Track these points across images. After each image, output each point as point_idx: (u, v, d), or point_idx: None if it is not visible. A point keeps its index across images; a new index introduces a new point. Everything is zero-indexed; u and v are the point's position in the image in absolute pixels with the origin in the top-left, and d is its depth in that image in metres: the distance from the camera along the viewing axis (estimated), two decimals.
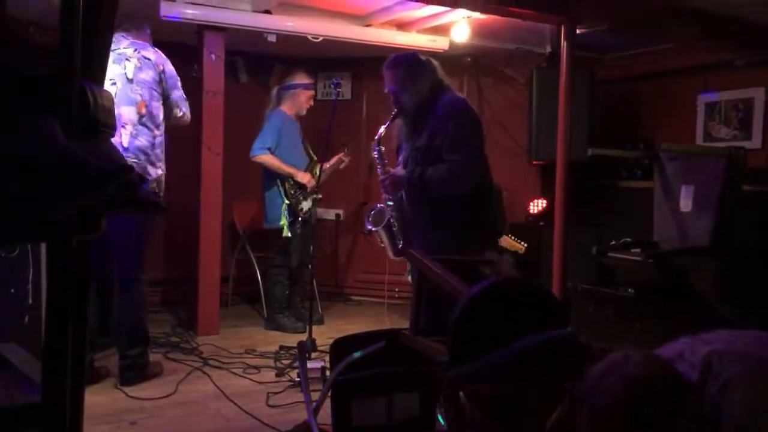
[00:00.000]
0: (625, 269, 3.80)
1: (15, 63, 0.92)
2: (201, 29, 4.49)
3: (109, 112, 0.99)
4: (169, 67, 3.59)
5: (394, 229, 3.34)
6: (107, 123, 0.99)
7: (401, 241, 3.31)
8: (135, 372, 3.49)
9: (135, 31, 3.58)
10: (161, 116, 3.53)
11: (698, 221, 3.83)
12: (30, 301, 3.17)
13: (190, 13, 4.25)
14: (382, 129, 3.26)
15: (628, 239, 3.98)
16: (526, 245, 4.44)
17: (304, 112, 4.88)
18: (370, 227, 3.42)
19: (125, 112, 3.37)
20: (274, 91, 4.93)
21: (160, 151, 3.51)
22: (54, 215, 0.87)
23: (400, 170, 3.20)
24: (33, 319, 3.15)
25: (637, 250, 3.79)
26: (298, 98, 4.82)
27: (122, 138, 3.34)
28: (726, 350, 1.09)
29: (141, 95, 3.42)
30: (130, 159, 3.32)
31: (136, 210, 1.00)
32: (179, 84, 3.63)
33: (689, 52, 4.72)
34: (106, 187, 0.89)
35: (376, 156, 3.31)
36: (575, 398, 1.13)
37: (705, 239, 3.77)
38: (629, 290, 3.70)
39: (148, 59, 3.48)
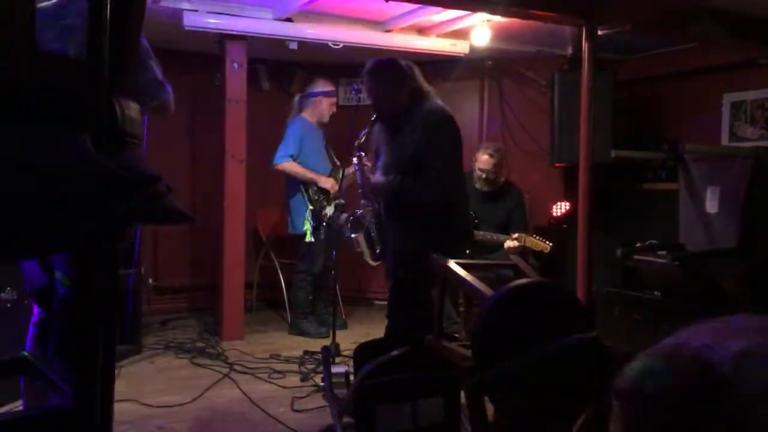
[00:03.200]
0: (651, 272, 3.75)
1: (44, 77, 0.95)
2: (223, 38, 4.54)
3: (136, 122, 1.01)
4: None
5: (372, 234, 3.35)
6: (134, 134, 1.01)
7: (380, 246, 3.33)
8: None
9: None
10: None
11: (725, 223, 3.77)
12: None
13: (213, 22, 4.30)
14: (361, 135, 3.27)
15: (654, 242, 3.94)
16: (551, 244, 4.41)
17: (326, 119, 4.90)
18: (350, 234, 3.45)
19: None
20: (296, 98, 4.96)
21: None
22: (84, 226, 0.89)
23: (378, 177, 3.19)
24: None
25: (663, 252, 3.74)
26: (319, 106, 4.85)
27: None
28: (760, 350, 1.07)
29: None
30: None
31: (164, 220, 1.01)
32: (153, 64, 2.51)
33: (713, 51, 4.65)
34: (134, 198, 0.91)
35: (355, 162, 3.32)
36: (616, 393, 1.11)
37: (732, 241, 3.72)
38: (655, 293, 3.66)
39: None
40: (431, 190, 2.99)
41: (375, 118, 3.19)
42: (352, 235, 3.42)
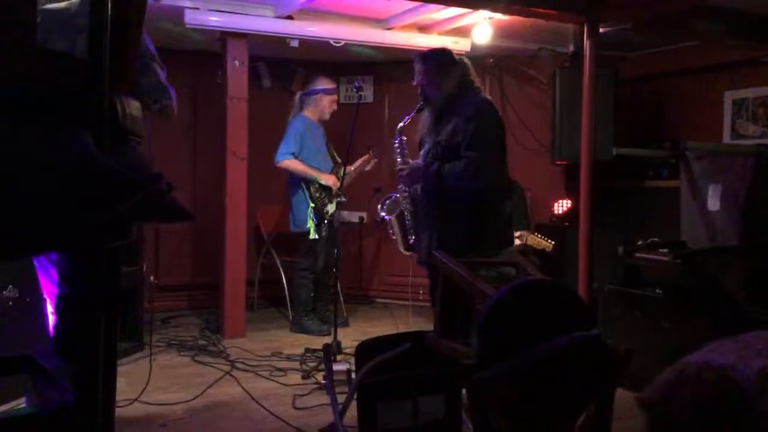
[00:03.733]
0: (652, 270, 3.75)
1: (46, 76, 0.95)
2: (224, 36, 4.54)
3: (137, 120, 1.02)
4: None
5: (407, 222, 3.34)
6: (135, 132, 1.01)
7: (412, 236, 3.33)
8: None
9: None
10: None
11: (726, 220, 3.77)
12: None
13: (214, 20, 4.30)
14: (405, 119, 3.30)
15: (655, 239, 3.93)
16: (553, 243, 4.42)
17: (327, 117, 4.91)
18: (383, 215, 3.44)
19: None
20: (297, 96, 4.97)
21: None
22: (87, 223, 0.90)
23: (418, 162, 3.23)
24: None
25: (665, 250, 3.74)
26: (320, 103, 4.85)
27: None
28: None
29: None
30: None
31: (165, 217, 1.02)
32: (156, 66, 2.49)
33: (715, 49, 4.65)
34: (135, 196, 0.91)
35: (397, 145, 3.34)
36: (642, 404, 1.12)
37: (733, 238, 3.72)
38: (656, 291, 3.66)
39: None
40: (472, 178, 3.02)
41: (421, 105, 3.22)
42: (386, 217, 3.42)
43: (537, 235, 4.45)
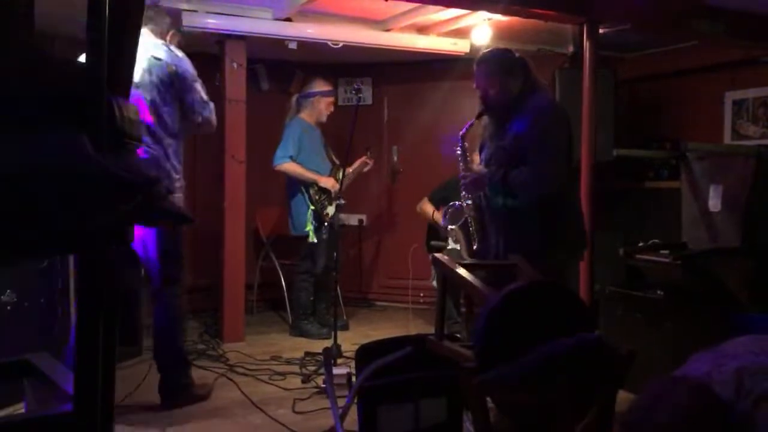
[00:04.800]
0: (654, 271, 3.74)
1: (42, 79, 0.94)
2: (222, 38, 4.53)
3: (134, 124, 1.00)
4: (184, 67, 3.18)
5: (471, 228, 3.22)
6: (132, 135, 1.00)
7: (477, 243, 3.21)
8: (175, 390, 3.28)
9: (152, 25, 3.21)
10: (175, 123, 3.18)
11: (727, 221, 3.77)
12: (59, 310, 3.22)
13: (212, 22, 4.29)
14: (467, 125, 3.14)
15: (656, 240, 3.93)
16: None
17: (324, 119, 4.90)
18: (447, 225, 3.34)
19: None
20: (293, 99, 4.97)
21: (177, 162, 3.18)
22: (84, 227, 0.89)
23: (482, 169, 3.09)
24: (62, 328, 3.20)
25: (666, 251, 3.73)
26: (317, 105, 4.84)
27: None
28: (756, 365, 1.08)
29: (150, 101, 3.07)
30: None
31: (163, 221, 1.01)
32: (198, 86, 3.22)
33: (715, 49, 4.65)
34: (133, 199, 0.90)
35: (459, 153, 3.18)
36: (623, 426, 1.13)
37: (734, 239, 3.71)
38: (658, 292, 3.65)
39: (158, 59, 3.11)
40: (539, 186, 2.86)
41: (482, 110, 3.06)
42: (450, 227, 3.34)
43: None
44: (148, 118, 3.06)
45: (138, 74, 2.99)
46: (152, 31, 3.21)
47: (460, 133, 3.16)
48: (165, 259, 3.23)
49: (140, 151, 3.25)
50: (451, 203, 3.37)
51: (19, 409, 2.81)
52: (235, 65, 4.55)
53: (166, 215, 1.06)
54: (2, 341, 2.92)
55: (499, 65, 2.99)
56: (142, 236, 3.22)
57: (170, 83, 3.13)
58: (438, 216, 4.84)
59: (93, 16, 0.93)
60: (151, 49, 3.11)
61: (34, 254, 2.23)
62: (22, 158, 0.85)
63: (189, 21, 4.17)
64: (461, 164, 3.17)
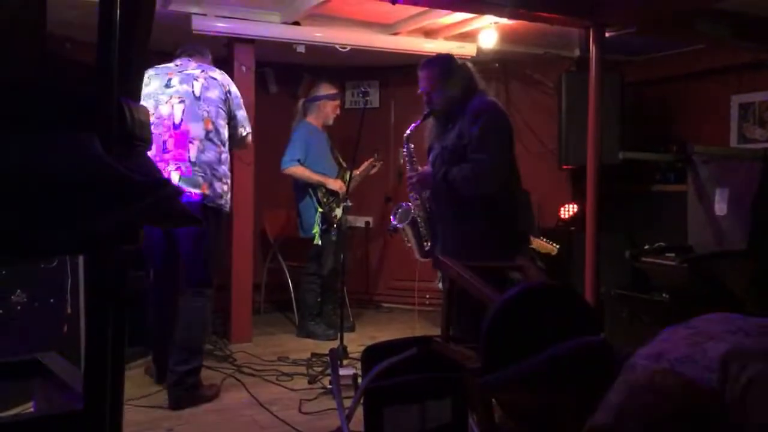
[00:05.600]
0: (660, 274, 3.74)
1: (54, 81, 0.96)
2: (231, 42, 4.56)
3: (145, 126, 1.02)
4: (234, 89, 3.63)
5: (420, 228, 3.31)
6: (143, 137, 1.01)
7: (428, 243, 3.31)
8: (183, 391, 3.33)
9: (199, 56, 3.69)
10: (226, 134, 3.55)
11: (734, 224, 3.76)
12: (69, 310, 3.24)
13: (221, 26, 4.32)
14: (412, 127, 3.28)
15: (662, 243, 3.92)
16: (558, 246, 4.41)
17: (330, 122, 4.94)
18: (395, 223, 3.41)
19: (193, 128, 3.39)
20: (300, 103, 5.00)
21: (226, 168, 3.51)
22: (93, 227, 0.90)
23: (427, 169, 3.22)
24: (72, 328, 3.23)
25: (672, 254, 3.73)
26: (323, 109, 4.88)
27: (190, 152, 3.36)
28: (742, 349, 1.07)
29: (208, 112, 3.44)
30: (197, 173, 3.34)
31: (173, 222, 1.02)
32: (243, 105, 3.68)
33: (721, 52, 4.64)
34: (144, 200, 0.92)
35: (405, 153, 3.33)
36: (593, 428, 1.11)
37: (741, 243, 3.70)
38: (664, 295, 3.65)
39: (215, 79, 3.53)
40: (479, 180, 2.99)
41: (428, 112, 3.21)
42: (398, 225, 3.39)
43: (542, 239, 4.44)
44: (208, 126, 3.44)
45: (198, 89, 3.47)
46: (200, 59, 3.69)
47: (405, 134, 3.30)
48: (203, 261, 3.49)
49: (200, 154, 3.44)
50: (400, 203, 3.44)
51: (29, 408, 2.83)
52: (243, 68, 4.58)
53: (175, 216, 1.07)
54: (12, 341, 2.95)
55: (441, 70, 3.14)
56: (179, 237, 3.47)
57: (225, 100, 3.54)
58: None
59: (104, 19, 0.94)
60: (208, 71, 3.56)
61: (44, 254, 2.25)
62: (32, 158, 0.86)
63: (198, 25, 4.20)
64: (407, 165, 3.31)
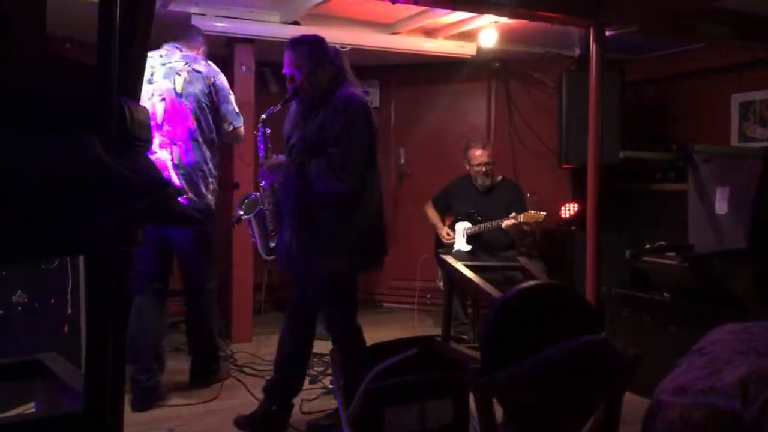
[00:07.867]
0: (660, 273, 3.73)
1: (54, 81, 0.96)
2: (231, 41, 4.56)
3: (144, 126, 1.02)
4: (220, 80, 3.50)
5: (268, 224, 3.06)
6: (142, 137, 1.01)
7: (274, 241, 3.05)
8: (204, 377, 3.68)
9: (185, 41, 3.54)
10: (212, 130, 3.44)
11: (734, 223, 3.75)
12: (69, 311, 3.24)
13: (221, 26, 4.32)
14: (269, 111, 2.98)
15: (663, 243, 3.92)
16: (545, 213, 4.43)
17: None
18: (240, 213, 3.12)
19: (175, 129, 3.30)
20: None
21: (213, 165, 3.44)
22: (93, 228, 0.90)
23: (281, 157, 2.95)
24: (72, 328, 3.23)
25: (672, 253, 3.72)
26: None
27: (173, 156, 3.29)
28: (759, 371, 1.08)
29: (190, 109, 3.34)
30: (182, 177, 3.28)
31: (172, 222, 1.02)
32: (231, 98, 3.56)
33: (722, 51, 4.64)
34: (143, 201, 0.92)
35: (259, 137, 3.01)
36: None
37: (741, 242, 3.69)
38: (664, 294, 3.64)
39: (198, 72, 3.42)
40: (334, 177, 2.73)
41: (289, 96, 2.91)
42: (243, 216, 3.08)
43: (529, 211, 4.47)
44: (191, 124, 3.34)
45: (180, 85, 3.36)
46: (187, 46, 3.53)
47: (262, 116, 3.00)
48: (203, 259, 3.59)
49: (184, 155, 3.23)
50: (249, 193, 3.25)
51: (30, 408, 2.83)
52: (243, 68, 4.58)
53: (175, 216, 1.07)
54: (13, 341, 2.95)
55: (309, 53, 2.84)
56: (178, 238, 3.48)
57: (208, 93, 3.43)
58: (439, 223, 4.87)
59: (104, 19, 0.94)
60: (192, 63, 3.43)
61: (44, 255, 2.25)
62: (31, 159, 0.86)
63: (198, 24, 4.20)
64: (260, 151, 3.02)
